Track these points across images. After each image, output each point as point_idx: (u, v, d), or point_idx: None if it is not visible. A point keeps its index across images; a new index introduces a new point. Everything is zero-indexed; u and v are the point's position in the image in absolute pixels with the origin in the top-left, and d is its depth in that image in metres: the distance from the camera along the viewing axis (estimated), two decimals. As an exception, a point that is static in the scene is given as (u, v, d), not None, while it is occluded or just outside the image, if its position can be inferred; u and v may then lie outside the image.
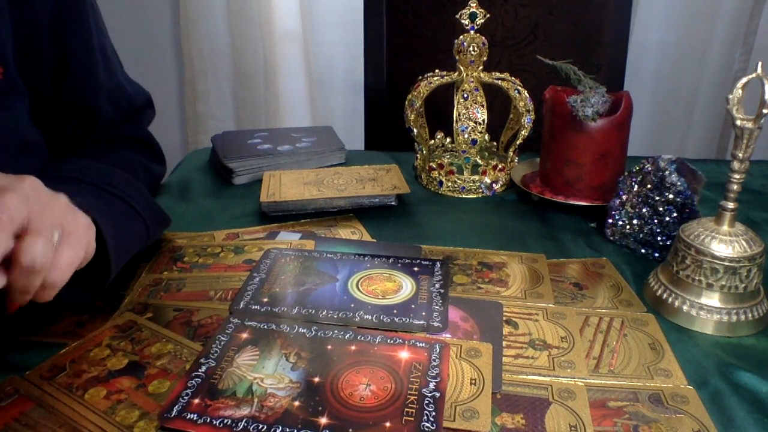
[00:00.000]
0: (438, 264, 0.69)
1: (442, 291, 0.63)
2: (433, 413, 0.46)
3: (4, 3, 0.59)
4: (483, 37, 0.91)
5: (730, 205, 0.59)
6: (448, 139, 1.02)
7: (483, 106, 0.88)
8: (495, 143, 1.01)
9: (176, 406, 0.47)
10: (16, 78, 0.60)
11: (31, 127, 0.63)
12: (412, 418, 0.46)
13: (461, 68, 0.92)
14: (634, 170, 0.75)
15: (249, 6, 1.70)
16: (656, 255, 0.73)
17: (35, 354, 0.54)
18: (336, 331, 0.56)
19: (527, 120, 0.91)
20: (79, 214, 0.48)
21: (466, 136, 0.88)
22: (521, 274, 0.68)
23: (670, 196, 0.70)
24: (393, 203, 0.86)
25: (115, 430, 0.45)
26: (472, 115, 0.88)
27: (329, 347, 0.54)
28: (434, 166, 0.94)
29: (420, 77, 0.95)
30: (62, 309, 0.60)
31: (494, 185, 0.92)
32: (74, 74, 0.68)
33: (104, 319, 0.59)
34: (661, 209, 0.71)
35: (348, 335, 0.56)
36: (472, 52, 0.90)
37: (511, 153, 0.94)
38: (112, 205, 0.59)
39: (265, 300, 0.61)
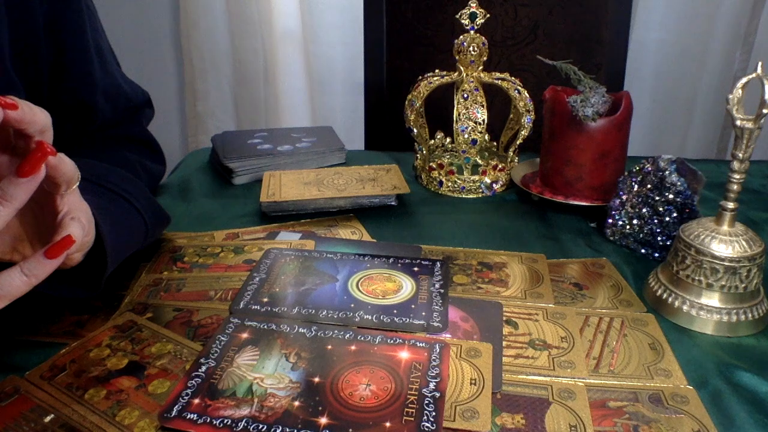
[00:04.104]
0: (438, 264, 0.69)
1: (442, 291, 0.63)
2: (433, 413, 0.46)
3: (1, 1, 0.59)
4: (483, 37, 0.91)
5: (730, 205, 0.59)
6: (448, 139, 1.02)
7: (483, 106, 0.88)
8: (495, 143, 1.01)
9: (176, 406, 0.47)
10: (13, 75, 0.60)
11: None
12: (412, 418, 0.46)
13: (461, 68, 0.92)
14: (634, 170, 0.75)
15: (249, 6, 1.70)
16: (656, 255, 0.73)
17: (35, 354, 0.54)
18: (336, 331, 0.56)
19: (527, 120, 0.91)
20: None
21: (466, 136, 0.88)
22: (521, 274, 0.68)
23: (670, 196, 0.70)
24: (393, 203, 0.86)
25: (115, 430, 0.45)
26: (472, 115, 0.88)
27: (329, 347, 0.54)
28: (434, 166, 0.94)
29: (420, 77, 0.95)
30: (62, 309, 0.60)
31: (494, 185, 0.92)
32: (70, 72, 0.68)
33: (104, 319, 0.59)
34: (661, 209, 0.71)
35: (348, 335, 0.56)
36: (472, 52, 0.90)
37: (511, 153, 0.94)
38: (110, 201, 0.59)
39: (265, 300, 0.61)
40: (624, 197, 0.76)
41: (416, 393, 0.48)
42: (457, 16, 0.90)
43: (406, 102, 0.94)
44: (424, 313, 0.59)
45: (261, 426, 0.45)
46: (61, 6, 0.65)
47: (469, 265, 0.70)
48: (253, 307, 0.60)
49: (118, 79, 0.77)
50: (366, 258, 0.70)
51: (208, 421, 0.46)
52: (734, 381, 0.52)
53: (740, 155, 0.57)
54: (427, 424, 0.45)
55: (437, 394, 0.48)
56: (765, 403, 0.50)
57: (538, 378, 0.52)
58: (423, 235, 0.79)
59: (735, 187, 0.58)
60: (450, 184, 0.92)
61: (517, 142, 0.92)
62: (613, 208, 0.77)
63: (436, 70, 0.96)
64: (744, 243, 0.59)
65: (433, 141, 1.02)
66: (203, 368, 0.51)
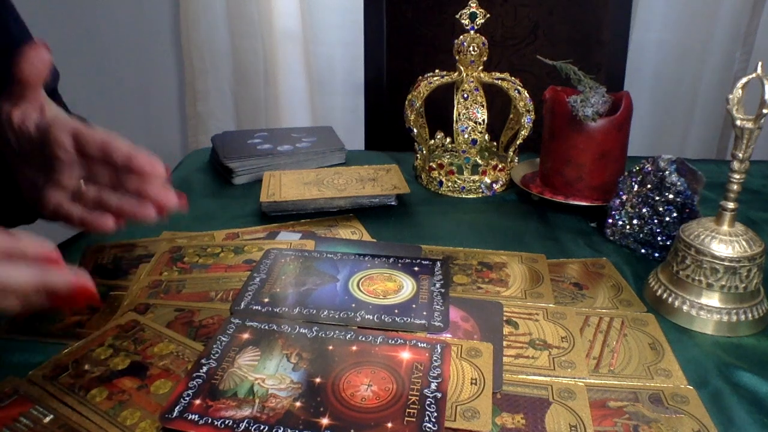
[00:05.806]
0: (438, 264, 0.69)
1: (442, 291, 0.64)
2: (435, 414, 0.46)
3: None
4: (483, 37, 0.91)
5: (730, 205, 0.60)
6: (448, 139, 1.02)
7: (483, 106, 0.88)
8: (495, 143, 1.01)
9: (177, 407, 0.47)
10: None
11: None
12: (414, 419, 0.46)
13: (461, 68, 0.92)
14: (634, 170, 0.75)
15: (249, 6, 1.70)
16: (656, 255, 0.73)
17: (35, 354, 0.54)
18: (337, 332, 0.56)
19: (527, 120, 0.91)
20: None
21: (466, 136, 0.88)
22: (521, 274, 0.68)
23: (670, 196, 0.70)
24: (393, 203, 0.86)
25: (117, 430, 0.45)
26: (472, 115, 0.88)
27: (330, 347, 0.54)
28: (434, 166, 0.94)
29: (420, 77, 0.95)
30: (62, 309, 0.60)
31: (494, 185, 0.92)
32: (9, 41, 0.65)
33: (105, 320, 0.59)
34: (661, 209, 0.71)
35: (349, 335, 0.56)
36: (472, 52, 0.90)
37: (511, 153, 0.94)
38: None
39: (266, 300, 0.62)
40: (624, 197, 0.76)
41: (418, 393, 0.48)
42: (457, 16, 0.90)
43: (406, 102, 0.94)
44: (425, 313, 0.60)
45: (262, 427, 0.45)
46: None
47: (469, 265, 0.70)
48: (254, 307, 0.60)
49: None
50: (366, 258, 0.70)
51: (209, 421, 0.46)
52: (734, 381, 0.52)
53: (740, 155, 0.57)
54: (428, 425, 0.45)
55: (439, 395, 0.48)
56: (765, 403, 0.50)
57: (539, 378, 0.52)
58: (423, 235, 0.79)
59: (735, 187, 0.58)
60: (450, 184, 0.92)
61: (517, 142, 0.93)
62: (613, 208, 0.77)
63: (436, 70, 0.96)
64: (744, 243, 0.59)
65: (433, 141, 1.02)
66: (204, 369, 0.51)
